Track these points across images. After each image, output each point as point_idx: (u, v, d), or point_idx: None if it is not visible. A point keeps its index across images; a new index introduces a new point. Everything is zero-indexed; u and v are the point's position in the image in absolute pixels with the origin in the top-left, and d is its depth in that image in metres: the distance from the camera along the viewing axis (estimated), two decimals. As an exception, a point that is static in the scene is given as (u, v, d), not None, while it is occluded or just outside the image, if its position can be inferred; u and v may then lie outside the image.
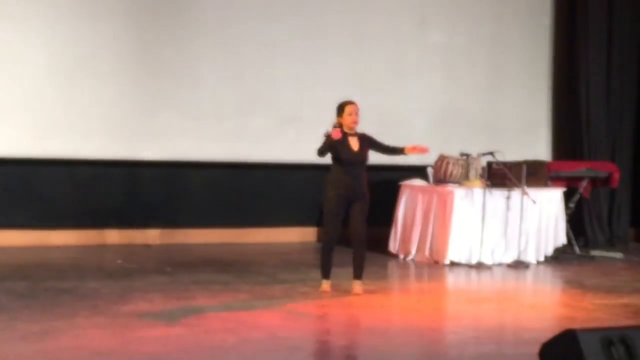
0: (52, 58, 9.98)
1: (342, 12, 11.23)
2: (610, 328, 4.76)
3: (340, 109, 7.82)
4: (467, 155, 10.11)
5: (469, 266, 9.71)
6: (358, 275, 7.88)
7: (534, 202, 9.93)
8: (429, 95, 11.68)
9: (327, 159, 7.79)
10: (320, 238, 8.08)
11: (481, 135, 11.56)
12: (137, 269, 8.75)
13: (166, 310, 6.85)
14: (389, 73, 11.47)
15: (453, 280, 9.22)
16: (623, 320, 6.92)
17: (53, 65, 9.98)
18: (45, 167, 10.01)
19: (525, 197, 9.91)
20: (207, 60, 10.61)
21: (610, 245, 11.80)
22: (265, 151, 10.81)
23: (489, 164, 10.08)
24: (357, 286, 7.85)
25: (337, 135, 7.53)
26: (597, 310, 7.50)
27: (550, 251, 10.44)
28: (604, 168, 11.11)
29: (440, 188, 9.98)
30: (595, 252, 11.09)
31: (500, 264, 9.92)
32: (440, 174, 10.09)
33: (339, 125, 7.75)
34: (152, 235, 10.39)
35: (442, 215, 9.82)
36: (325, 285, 7.87)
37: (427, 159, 10.50)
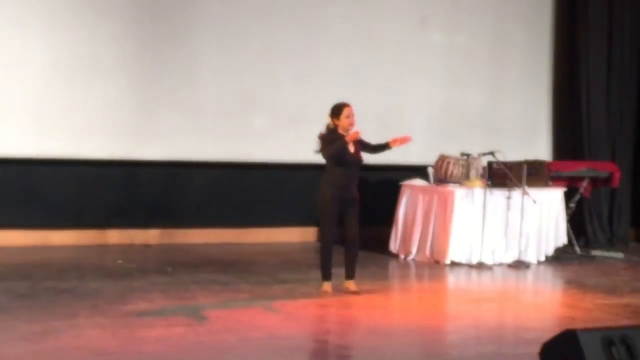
0: (53, 58, 9.97)
1: (343, 12, 11.22)
2: (611, 328, 4.75)
3: (337, 111, 7.79)
4: (468, 155, 10.10)
5: (470, 266, 9.71)
6: (352, 274, 7.92)
7: (534, 202, 9.92)
8: (430, 94, 11.68)
9: (321, 159, 7.80)
10: (319, 239, 8.06)
11: (482, 135, 11.55)
12: (138, 269, 8.75)
13: (168, 310, 6.85)
14: (389, 73, 11.47)
15: (454, 280, 9.22)
16: (623, 320, 6.91)
17: (53, 65, 9.98)
18: (45, 167, 10.00)
19: (525, 197, 9.90)
20: (207, 60, 10.61)
21: (610, 245, 11.80)
22: (265, 151, 10.82)
23: (490, 163, 10.08)
24: (353, 285, 7.87)
25: (355, 137, 7.60)
26: (597, 310, 7.50)
27: (550, 251, 10.44)
28: (604, 168, 11.11)
29: (440, 188, 9.98)
30: (595, 252, 11.09)
31: (500, 264, 9.92)
32: (441, 174, 10.09)
33: (334, 127, 7.75)
34: (152, 235, 10.39)
35: (443, 215, 9.82)
36: (327, 286, 7.86)
37: (427, 159, 10.52)
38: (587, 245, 11.51)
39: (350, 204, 7.78)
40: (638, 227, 12.49)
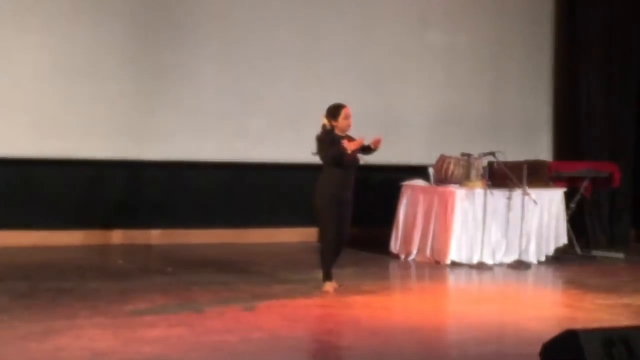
0: (53, 58, 9.98)
1: (343, 13, 11.23)
2: (612, 328, 4.76)
3: (335, 112, 7.75)
4: (468, 156, 10.10)
5: (470, 266, 9.70)
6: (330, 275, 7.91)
7: (535, 202, 9.92)
8: (430, 95, 11.69)
9: (317, 160, 7.81)
10: (320, 239, 8.06)
11: (482, 135, 11.56)
12: (138, 269, 8.75)
13: (168, 310, 6.84)
14: (389, 74, 11.47)
15: (454, 280, 9.21)
16: (624, 321, 6.91)
17: (54, 65, 9.99)
18: (46, 167, 10.01)
19: (526, 197, 9.90)
20: (208, 61, 10.62)
21: (611, 245, 11.80)
22: (265, 151, 10.82)
23: (490, 164, 10.08)
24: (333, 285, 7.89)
25: (357, 146, 7.68)
26: (598, 310, 7.49)
27: (551, 251, 10.43)
28: (605, 168, 11.11)
29: (441, 188, 9.98)
30: (596, 253, 11.09)
31: (501, 264, 9.92)
32: (442, 175, 10.08)
33: (331, 128, 7.74)
34: (153, 236, 10.40)
35: (443, 215, 9.82)
36: (329, 286, 7.85)
37: (428, 160, 10.52)
38: (587, 245, 11.50)
39: (345, 204, 7.80)
40: (638, 227, 12.49)
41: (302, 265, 9.17)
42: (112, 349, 5.64)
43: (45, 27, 9.95)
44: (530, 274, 9.66)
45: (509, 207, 10.03)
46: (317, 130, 7.83)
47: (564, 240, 10.55)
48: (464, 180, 10.03)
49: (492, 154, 9.91)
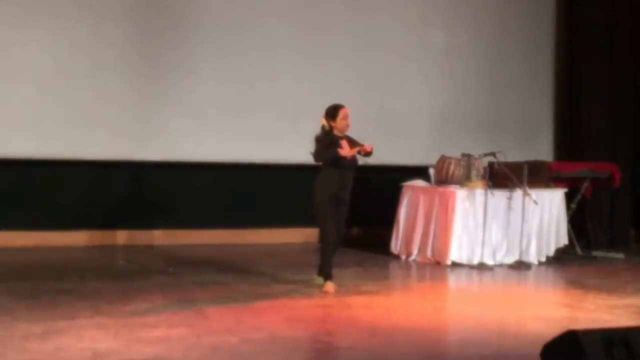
0: (54, 59, 9.98)
1: (344, 13, 11.23)
2: (612, 329, 4.76)
3: (333, 112, 7.78)
4: (469, 156, 10.10)
5: (471, 267, 9.70)
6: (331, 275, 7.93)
7: (535, 202, 9.92)
8: (431, 95, 11.68)
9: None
10: (320, 239, 8.07)
11: (483, 135, 11.56)
12: (139, 270, 8.75)
13: (169, 310, 6.85)
14: (390, 73, 11.47)
15: (455, 281, 9.22)
16: (625, 321, 6.91)
17: (55, 66, 9.98)
18: (46, 167, 10.01)
19: (526, 197, 9.90)
20: (208, 61, 10.62)
21: (611, 245, 11.80)
22: (266, 152, 10.82)
23: (491, 164, 10.08)
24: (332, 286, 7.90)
25: (352, 153, 7.70)
26: (598, 310, 7.50)
27: (551, 252, 10.44)
28: (605, 169, 11.10)
29: (442, 189, 9.98)
30: (596, 253, 11.09)
31: (501, 265, 9.92)
32: (442, 175, 10.08)
33: (329, 128, 7.75)
34: (155, 236, 10.40)
35: (444, 216, 9.82)
36: (330, 286, 7.86)
37: (428, 160, 10.52)
38: (588, 246, 11.50)
39: (342, 204, 7.81)
40: (639, 227, 12.49)
41: (303, 265, 9.16)
42: (113, 349, 5.64)
43: (46, 28, 9.94)
44: (531, 274, 9.66)
45: (509, 208, 10.03)
46: (318, 130, 7.85)
47: (564, 240, 10.55)
48: (464, 180, 10.04)
49: (493, 154, 9.91)
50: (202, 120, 10.57)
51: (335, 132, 7.77)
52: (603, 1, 12.05)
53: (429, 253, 9.91)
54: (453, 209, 9.76)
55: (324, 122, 7.78)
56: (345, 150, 7.66)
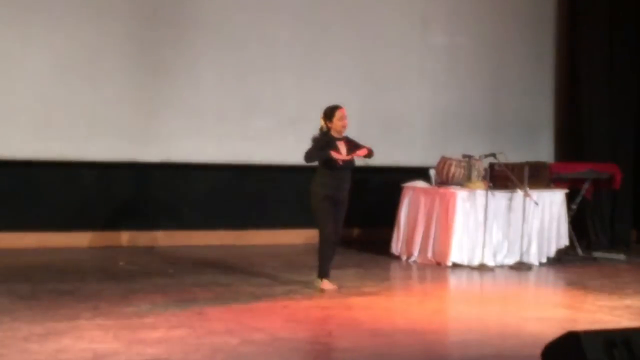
0: (55, 60, 9.98)
1: (344, 14, 11.23)
2: (613, 330, 4.75)
3: (330, 113, 7.82)
4: (470, 157, 10.10)
5: (471, 268, 9.70)
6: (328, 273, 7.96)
7: (536, 203, 9.92)
8: (431, 96, 11.69)
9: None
10: (319, 240, 8.07)
11: (483, 136, 11.56)
12: (139, 271, 8.75)
13: (169, 311, 6.85)
14: (391, 74, 11.47)
15: (455, 281, 9.21)
16: (626, 322, 6.91)
17: (56, 67, 9.98)
18: (47, 169, 10.00)
19: (527, 198, 9.90)
20: (209, 62, 10.62)
21: (612, 246, 11.79)
22: (267, 153, 10.82)
23: (491, 165, 10.08)
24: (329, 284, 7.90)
25: (345, 158, 7.73)
26: (599, 311, 7.50)
27: (552, 253, 10.43)
28: (606, 169, 11.10)
29: (442, 190, 9.98)
30: (597, 254, 11.08)
31: (502, 266, 9.91)
32: (443, 176, 10.08)
33: (327, 129, 7.77)
34: (157, 237, 10.40)
35: (445, 216, 9.82)
36: (327, 283, 7.87)
37: (429, 161, 10.52)
38: (588, 246, 11.50)
39: (339, 204, 7.82)
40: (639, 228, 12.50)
41: (304, 266, 9.16)
42: (114, 350, 5.65)
43: (46, 29, 9.94)
44: (532, 275, 9.66)
45: (510, 209, 10.03)
46: (318, 131, 7.88)
47: (565, 241, 10.55)
48: (465, 181, 10.04)
49: (494, 155, 9.91)
50: (203, 122, 10.57)
51: (333, 132, 7.79)
52: (603, 2, 12.04)
53: (429, 254, 9.91)
54: (454, 210, 9.76)
55: (322, 122, 7.82)
56: (338, 154, 7.70)
